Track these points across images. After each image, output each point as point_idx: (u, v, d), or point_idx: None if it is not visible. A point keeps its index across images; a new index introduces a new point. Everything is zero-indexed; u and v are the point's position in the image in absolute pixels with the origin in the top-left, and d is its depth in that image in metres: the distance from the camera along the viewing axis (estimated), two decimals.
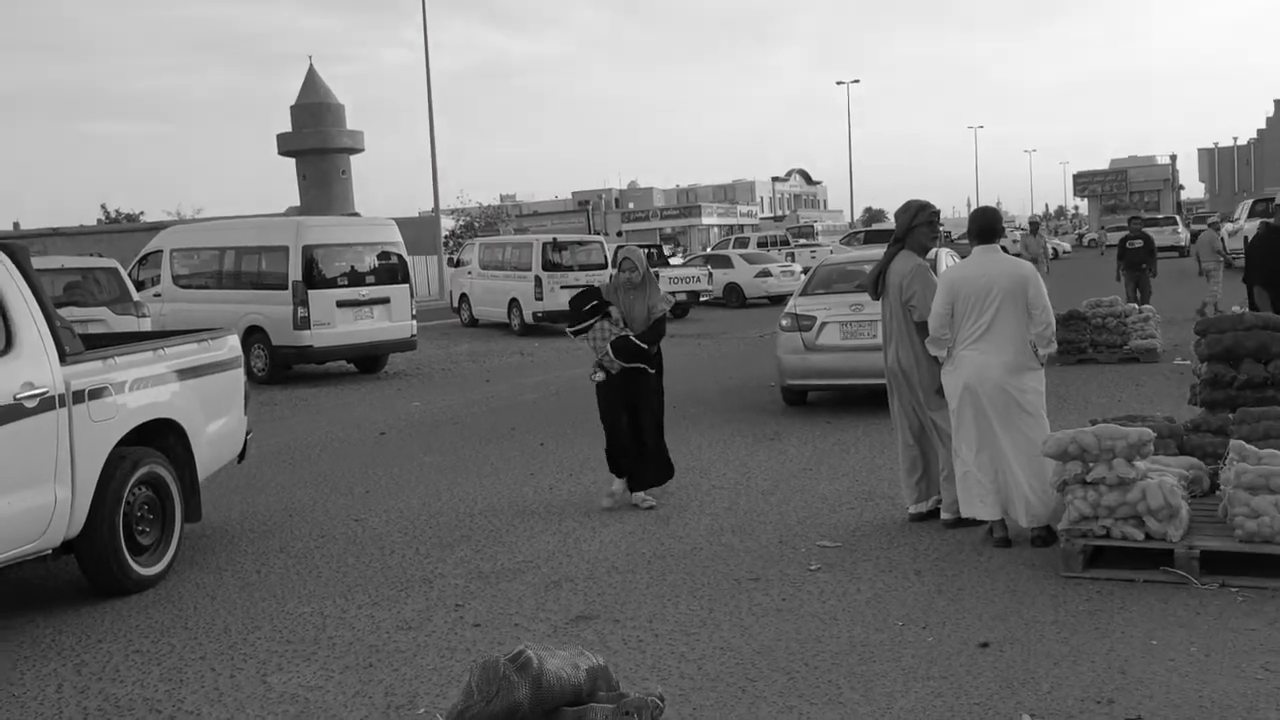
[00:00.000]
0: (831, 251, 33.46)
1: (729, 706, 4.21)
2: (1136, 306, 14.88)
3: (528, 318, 23.01)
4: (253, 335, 15.98)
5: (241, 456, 7.64)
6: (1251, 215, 35.75)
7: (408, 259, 17.30)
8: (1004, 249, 6.43)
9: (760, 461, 8.92)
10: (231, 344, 7.42)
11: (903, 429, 6.84)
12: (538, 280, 22.70)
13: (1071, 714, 3.96)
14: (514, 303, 23.45)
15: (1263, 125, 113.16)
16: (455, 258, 30.66)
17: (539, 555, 6.47)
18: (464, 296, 26.07)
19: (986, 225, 6.22)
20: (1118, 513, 5.46)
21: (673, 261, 31.70)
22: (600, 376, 7.47)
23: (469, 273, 25.80)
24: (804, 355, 11.04)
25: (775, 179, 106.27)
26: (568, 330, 7.62)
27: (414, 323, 17.07)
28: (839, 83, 71.79)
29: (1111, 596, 5.20)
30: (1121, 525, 5.46)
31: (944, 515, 6.61)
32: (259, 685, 4.66)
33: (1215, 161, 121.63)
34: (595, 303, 7.49)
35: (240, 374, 7.48)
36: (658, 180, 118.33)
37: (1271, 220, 9.27)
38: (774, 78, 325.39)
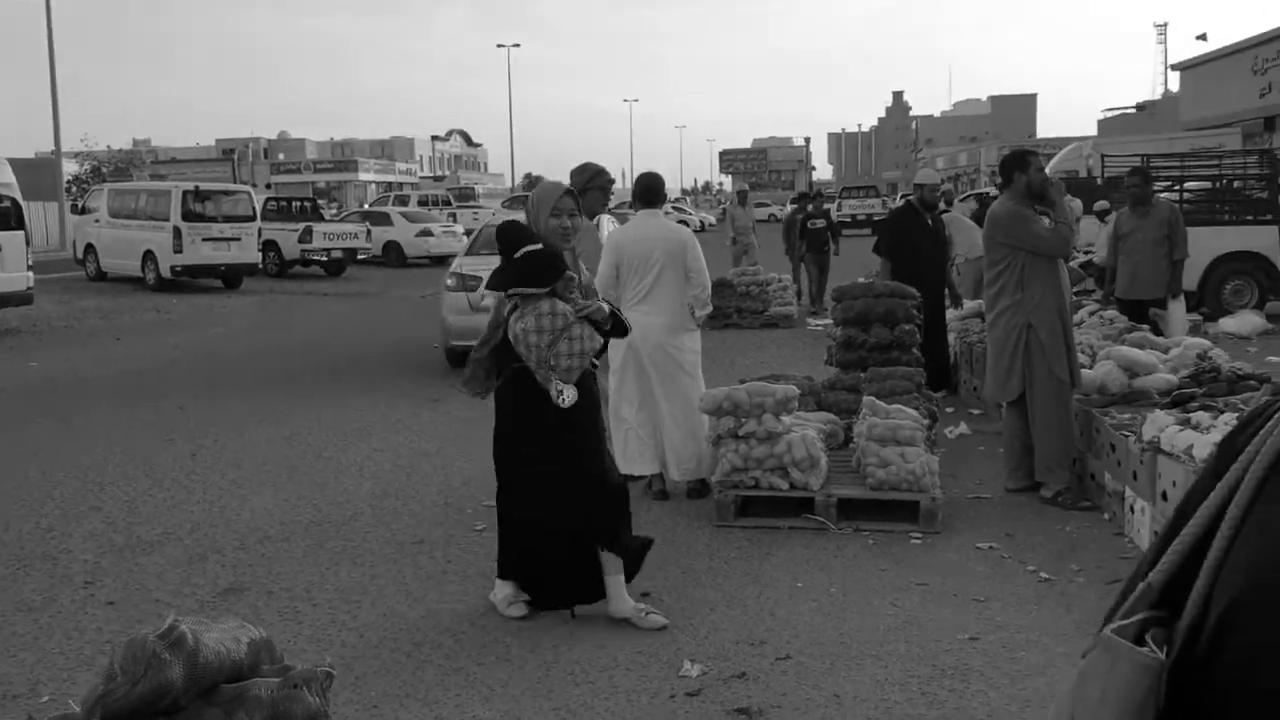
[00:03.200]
0: (494, 214, 33.41)
1: (393, 673, 4.07)
2: (778, 276, 15.72)
3: (164, 272, 21.29)
4: None
5: None
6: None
7: (22, 204, 15.50)
8: (666, 214, 6.61)
9: (424, 423, 8.74)
10: None
11: None
12: (176, 231, 21.04)
13: (727, 656, 4.15)
14: (149, 255, 21.60)
15: (882, 114, 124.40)
16: (80, 204, 27.82)
17: (181, 526, 5.99)
18: (90, 247, 23.71)
19: (651, 189, 6.37)
20: (766, 464, 5.79)
21: (326, 216, 30.40)
22: (571, 397, 4.36)
23: (96, 221, 23.47)
24: (469, 316, 10.90)
25: (435, 138, 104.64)
26: (540, 355, 4.35)
27: (30, 274, 15.32)
28: (500, 45, 71.60)
29: (760, 543, 5.51)
30: (769, 476, 5.80)
31: None
32: None
33: (842, 145, 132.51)
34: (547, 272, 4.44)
35: None
36: (311, 132, 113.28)
37: (912, 198, 10.13)
38: (436, 35, 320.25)
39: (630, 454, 6.38)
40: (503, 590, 4.64)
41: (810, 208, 17.14)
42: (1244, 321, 12.43)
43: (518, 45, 71.26)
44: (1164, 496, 4.96)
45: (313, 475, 7.09)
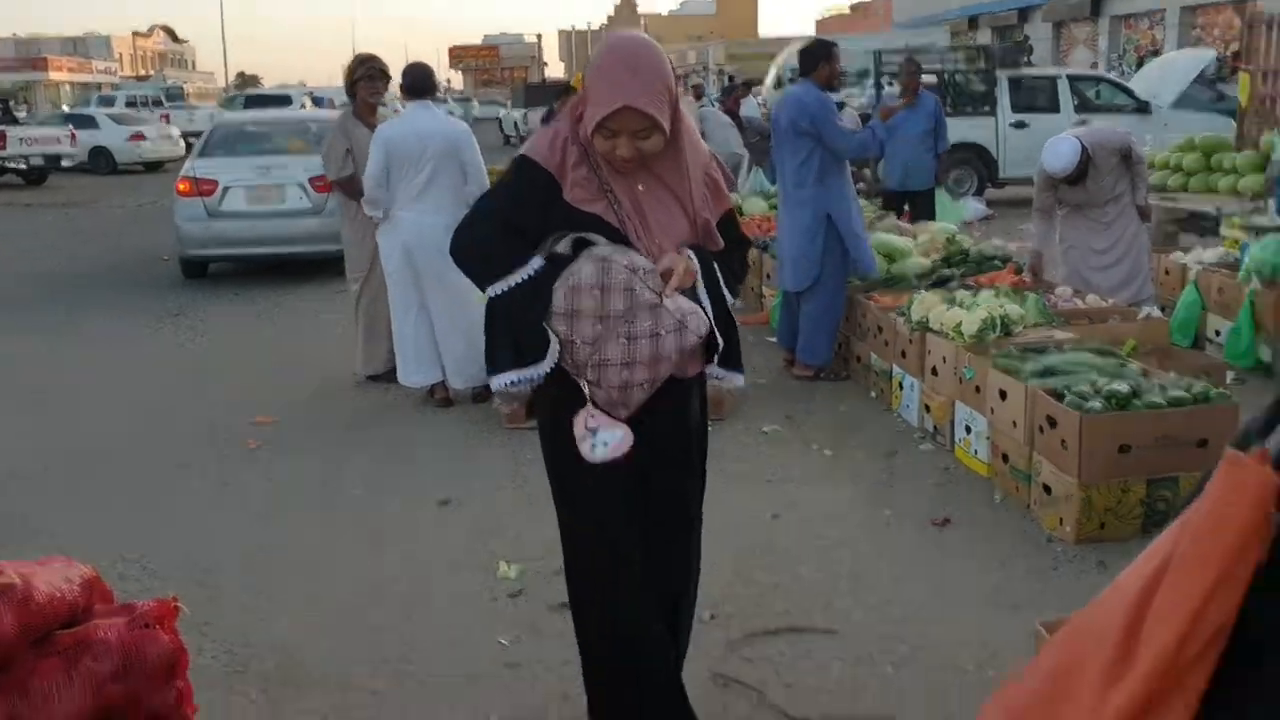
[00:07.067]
0: (212, 116, 31.19)
1: (198, 605, 3.77)
2: None
3: None
4: None
5: None
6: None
7: None
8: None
9: (167, 339, 8.14)
10: None
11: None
12: None
13: (542, 555, 4.11)
14: None
15: (611, 12, 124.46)
16: None
17: None
18: None
19: (420, 80, 6.01)
20: None
21: (20, 118, 27.45)
22: (608, 448, 2.47)
23: None
24: (206, 223, 10.17)
25: (136, 34, 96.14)
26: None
27: None
28: None
29: None
30: None
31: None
32: None
33: (572, 43, 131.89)
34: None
35: None
36: None
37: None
38: None
39: (407, 362, 6.15)
40: None
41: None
42: (967, 208, 13.35)
43: None
44: (934, 371, 5.27)
45: (64, 403, 6.48)
